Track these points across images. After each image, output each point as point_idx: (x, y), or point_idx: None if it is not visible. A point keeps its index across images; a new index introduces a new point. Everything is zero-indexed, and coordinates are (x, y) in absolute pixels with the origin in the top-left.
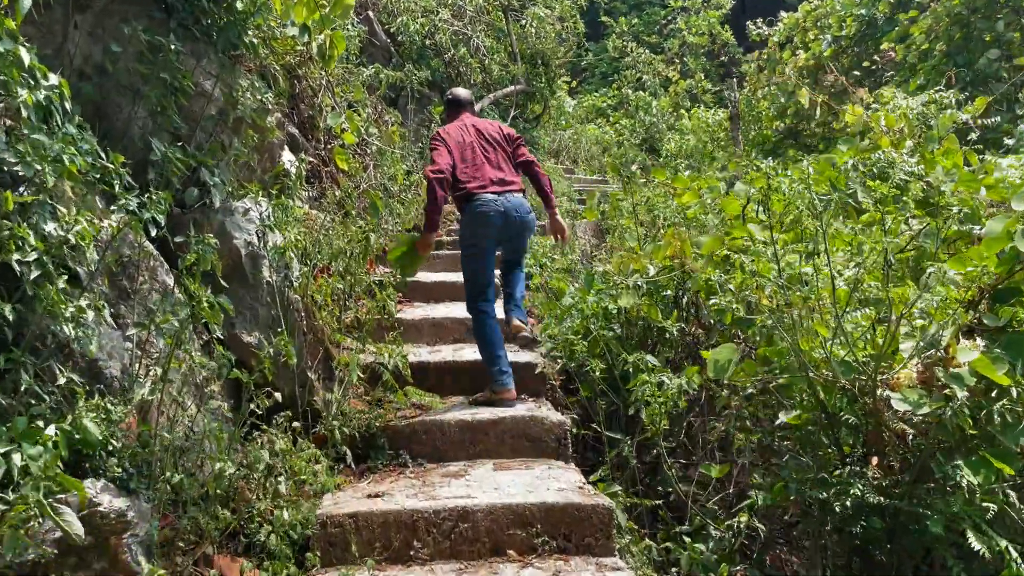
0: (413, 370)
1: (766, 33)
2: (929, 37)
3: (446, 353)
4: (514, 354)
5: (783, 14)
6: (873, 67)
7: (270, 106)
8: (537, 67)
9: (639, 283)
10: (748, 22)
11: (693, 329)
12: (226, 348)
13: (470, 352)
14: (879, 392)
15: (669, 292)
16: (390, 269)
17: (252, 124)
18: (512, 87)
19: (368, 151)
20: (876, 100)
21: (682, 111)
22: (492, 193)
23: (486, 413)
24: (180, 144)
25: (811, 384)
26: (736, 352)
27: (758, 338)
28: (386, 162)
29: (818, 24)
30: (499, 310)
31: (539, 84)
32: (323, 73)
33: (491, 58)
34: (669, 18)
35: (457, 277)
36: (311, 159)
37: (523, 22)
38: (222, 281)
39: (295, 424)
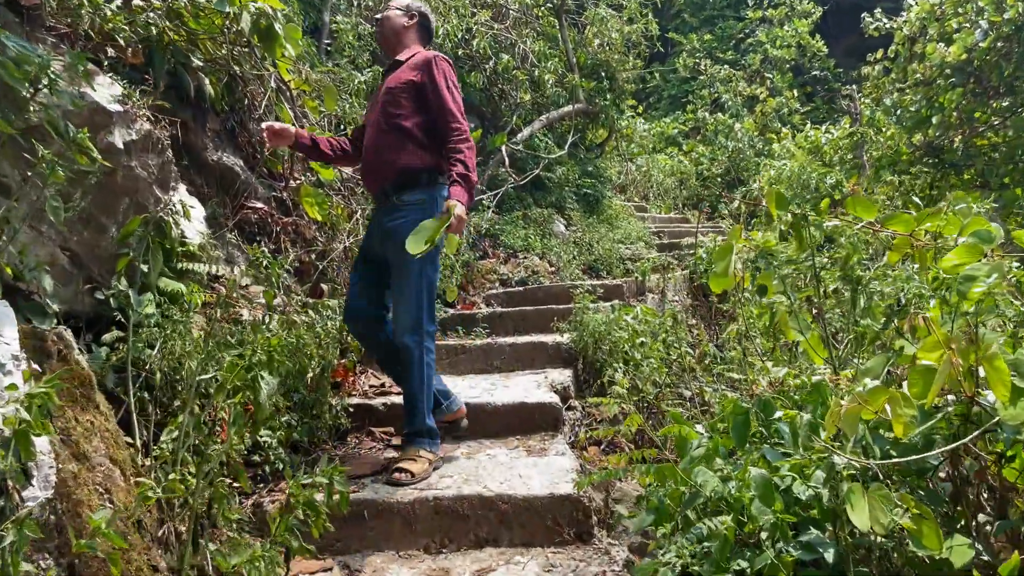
0: None
1: (888, 26)
2: None
3: None
4: None
5: (911, 2)
6: None
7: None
8: (600, 82)
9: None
10: (864, 15)
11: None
12: None
13: None
14: None
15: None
16: (378, 382)
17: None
18: (570, 107)
19: (359, 189)
20: None
21: (771, 135)
22: None
23: None
24: None
25: None
26: None
27: None
28: None
29: (959, 11)
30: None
31: (602, 102)
32: (271, 70)
33: (542, 68)
34: (747, 31)
35: None
36: (258, 205)
37: (582, 26)
38: None
39: None
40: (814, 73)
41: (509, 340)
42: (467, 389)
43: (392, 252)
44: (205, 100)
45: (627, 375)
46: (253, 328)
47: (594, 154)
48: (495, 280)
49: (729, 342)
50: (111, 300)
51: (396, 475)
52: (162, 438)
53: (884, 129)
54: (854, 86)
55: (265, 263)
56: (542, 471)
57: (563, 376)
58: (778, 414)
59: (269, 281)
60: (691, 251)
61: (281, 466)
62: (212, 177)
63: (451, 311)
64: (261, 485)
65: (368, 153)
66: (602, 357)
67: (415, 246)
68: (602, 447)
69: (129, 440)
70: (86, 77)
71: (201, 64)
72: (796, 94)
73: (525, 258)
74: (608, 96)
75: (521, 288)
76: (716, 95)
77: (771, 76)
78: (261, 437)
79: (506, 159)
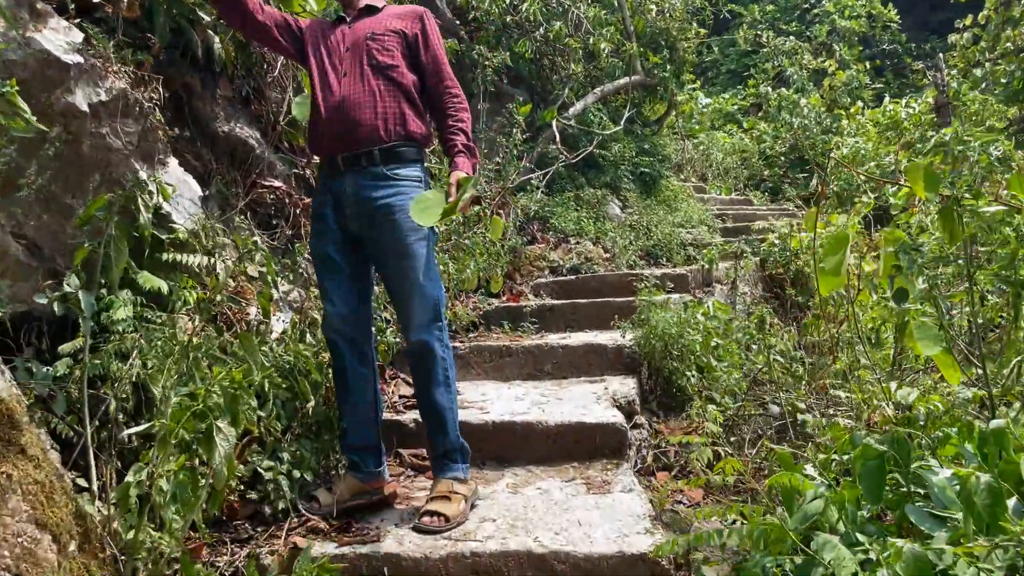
0: None
1: None
2: None
3: None
4: None
5: None
6: None
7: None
8: (660, 51)
9: None
10: None
11: None
12: None
13: None
14: None
15: None
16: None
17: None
18: (626, 79)
19: None
20: None
21: (839, 110)
22: None
23: None
24: None
25: None
26: None
27: None
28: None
29: None
30: None
31: (661, 74)
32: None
33: (597, 35)
34: (813, 0)
35: None
36: (275, 183)
37: None
38: None
39: None
40: (884, 47)
41: (561, 340)
42: (513, 401)
43: (390, 233)
44: (215, 62)
45: (701, 385)
46: (243, 341)
47: (651, 130)
48: (544, 267)
49: (819, 347)
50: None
51: (426, 520)
52: (128, 477)
53: (968, 104)
54: (941, 54)
55: (259, 255)
56: (606, 516)
57: (626, 387)
58: (939, 471)
59: (264, 279)
60: (761, 236)
61: (283, 506)
62: (222, 151)
63: (495, 303)
64: (260, 529)
65: (341, 108)
66: (672, 364)
67: (425, 216)
68: (674, 473)
69: (84, 482)
70: (36, 19)
71: (210, 21)
72: (868, 66)
73: (577, 243)
74: (668, 67)
75: (573, 277)
76: (779, 69)
77: (839, 47)
78: (262, 469)
79: (557, 135)
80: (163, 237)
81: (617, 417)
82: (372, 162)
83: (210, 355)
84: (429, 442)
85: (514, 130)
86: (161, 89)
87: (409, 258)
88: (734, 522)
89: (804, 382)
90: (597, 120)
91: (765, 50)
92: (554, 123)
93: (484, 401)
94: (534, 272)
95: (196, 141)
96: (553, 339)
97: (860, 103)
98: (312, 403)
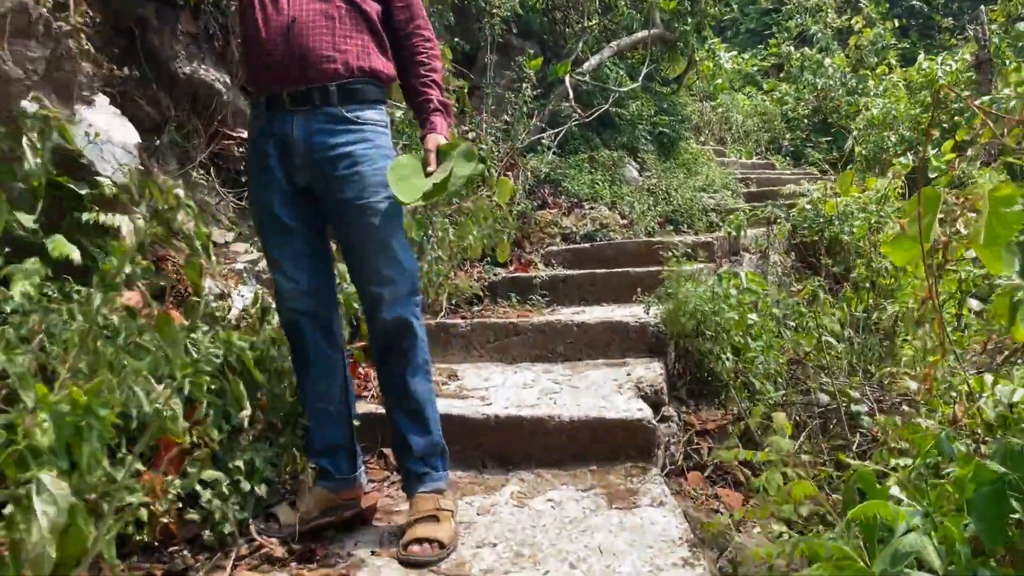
0: None
1: None
2: None
3: None
4: None
5: None
6: None
7: None
8: (680, 4)
9: None
10: None
11: None
12: None
13: None
14: None
15: None
16: None
17: None
18: (644, 32)
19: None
20: None
21: (864, 71)
22: None
23: None
24: None
25: None
26: None
27: None
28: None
29: None
30: None
31: (682, 27)
32: None
33: None
34: None
35: None
36: (244, 134)
37: None
38: None
39: None
40: (912, 3)
41: (575, 316)
42: (520, 389)
43: (353, 188)
44: None
45: (736, 368)
46: (159, 326)
47: (670, 89)
48: (556, 234)
49: (871, 326)
50: None
51: (416, 549)
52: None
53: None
54: (982, 6)
55: (181, 213)
56: (634, 540)
57: (651, 372)
58: None
59: (191, 243)
60: (790, 201)
61: (230, 529)
62: (182, 94)
63: (502, 273)
64: (202, 557)
65: (289, 32)
66: (704, 345)
67: (405, 190)
68: (707, 473)
69: None
70: None
71: None
72: (895, 24)
73: (592, 208)
74: (688, 20)
75: (588, 244)
76: (802, 27)
77: (865, 4)
78: (200, 487)
79: (570, 92)
80: (82, 192)
81: (644, 411)
82: (327, 100)
83: (125, 346)
84: (399, 445)
85: (524, 86)
86: (94, 14)
87: (377, 217)
88: (781, 535)
89: (859, 367)
90: (613, 76)
91: (787, 7)
92: (567, 79)
93: (487, 388)
94: (545, 239)
95: (151, 83)
96: (566, 314)
97: (886, 64)
98: (247, 411)
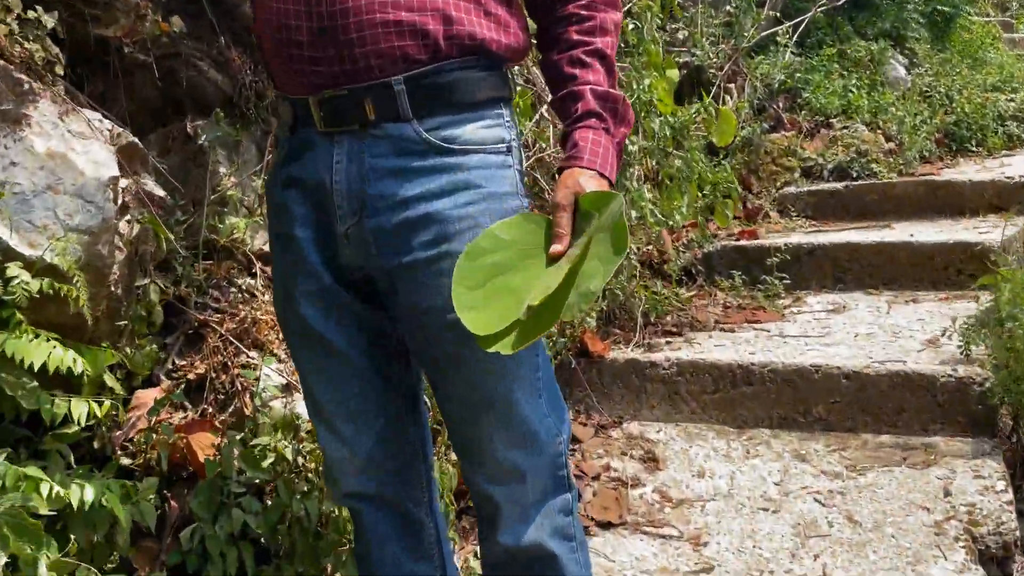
0: None
1: None
2: None
3: None
4: None
5: None
6: None
7: None
8: None
9: None
10: None
11: None
12: None
13: None
14: None
15: None
16: None
17: None
18: None
19: None
20: None
21: None
22: None
23: None
24: None
25: None
26: None
27: None
28: None
29: None
30: None
31: None
32: None
33: None
34: None
35: None
36: None
37: None
38: None
39: None
40: None
41: (836, 345)
42: (754, 517)
43: (439, 288)
44: None
45: None
46: None
47: None
48: (794, 167)
49: None
50: None
51: None
52: None
53: None
54: None
55: None
56: None
57: (984, 482)
58: None
59: None
60: None
61: None
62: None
63: (722, 237)
64: None
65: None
66: None
67: (485, 317)
68: None
69: None
70: None
71: None
72: None
73: (844, 128)
74: None
75: (840, 185)
76: None
77: None
78: None
79: None
80: None
81: None
82: (390, 110)
83: None
84: None
85: None
86: None
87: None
88: None
89: None
90: None
91: None
92: None
93: (700, 503)
94: (779, 176)
95: (218, 32)
96: (822, 357)
97: None
98: None
